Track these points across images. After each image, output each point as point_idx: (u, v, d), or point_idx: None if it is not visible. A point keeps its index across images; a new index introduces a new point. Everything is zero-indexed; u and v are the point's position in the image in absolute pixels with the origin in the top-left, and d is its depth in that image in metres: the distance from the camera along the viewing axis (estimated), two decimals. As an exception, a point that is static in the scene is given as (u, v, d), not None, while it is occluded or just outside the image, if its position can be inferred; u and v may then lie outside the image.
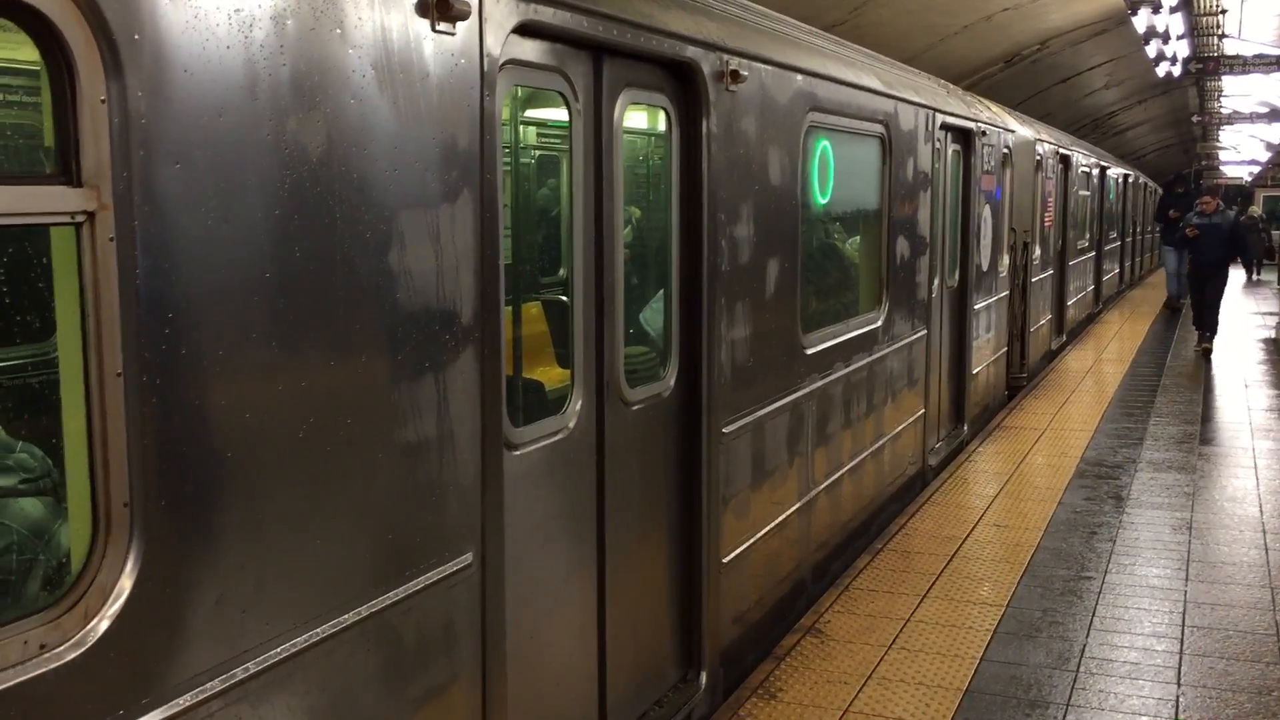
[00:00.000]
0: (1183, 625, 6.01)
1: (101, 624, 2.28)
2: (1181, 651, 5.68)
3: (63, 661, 2.20)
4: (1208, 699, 5.17)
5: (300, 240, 2.74)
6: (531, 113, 6.95)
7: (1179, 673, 5.44)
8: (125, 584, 2.33)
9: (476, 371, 3.43)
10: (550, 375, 5.73)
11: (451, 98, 3.26)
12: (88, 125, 2.23)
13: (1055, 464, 9.57)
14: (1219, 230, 16.31)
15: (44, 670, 2.17)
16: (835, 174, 6.78)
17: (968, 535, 7.56)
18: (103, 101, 2.24)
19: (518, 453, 3.85)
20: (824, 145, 6.58)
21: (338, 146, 2.84)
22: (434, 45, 3.18)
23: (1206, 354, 15.85)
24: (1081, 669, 5.47)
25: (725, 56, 4.99)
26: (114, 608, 2.30)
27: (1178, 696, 5.20)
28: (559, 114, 4.30)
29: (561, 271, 8.49)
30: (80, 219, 2.24)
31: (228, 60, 2.51)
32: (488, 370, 3.48)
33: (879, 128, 7.48)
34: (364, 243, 2.94)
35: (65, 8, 2.17)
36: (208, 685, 2.52)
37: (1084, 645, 5.76)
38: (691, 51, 4.72)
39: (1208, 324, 16.37)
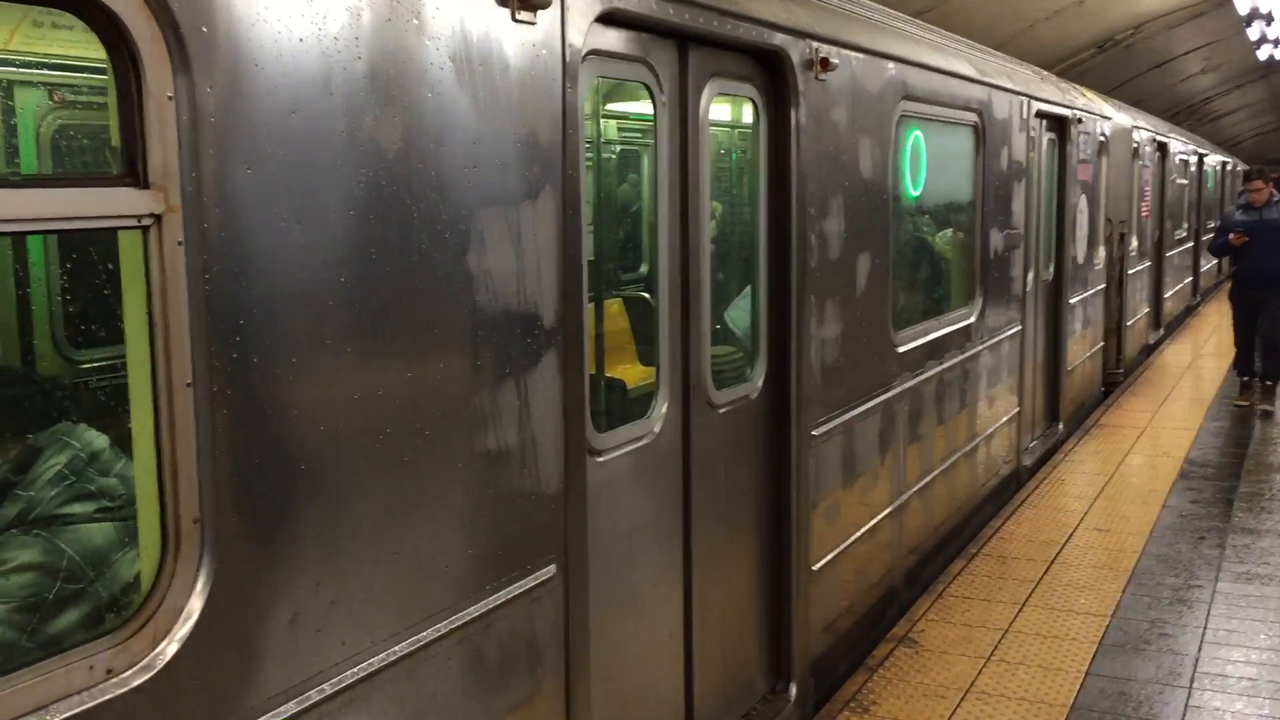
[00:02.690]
0: (1303, 639, 5.67)
1: (170, 647, 2.17)
2: (1303, 668, 5.35)
3: (129, 687, 2.10)
4: (1334, 720, 4.85)
5: (376, 241, 2.61)
6: (613, 106, 6.80)
7: (1301, 691, 5.12)
8: (195, 605, 2.22)
9: (559, 375, 3.29)
10: (632, 374, 5.58)
11: (532, 91, 3.12)
12: (154, 123, 2.12)
13: (1157, 465, 9.17)
14: (1273, 229, 11.14)
15: (110, 696, 2.07)
16: (927, 165, 6.54)
17: (1067, 540, 7.25)
18: (170, 98, 2.13)
19: (601, 459, 3.70)
20: (916, 135, 6.34)
21: (415, 143, 2.71)
22: (514, 36, 3.04)
23: (1266, 414, 11.05)
24: (1195, 685, 5.17)
25: (814, 44, 4.79)
26: (183, 630, 2.20)
27: (1301, 717, 4.88)
28: (641, 107, 4.15)
29: (643, 267, 8.35)
30: (147, 222, 2.13)
31: (301, 54, 2.39)
32: (570, 374, 3.33)
33: (972, 116, 7.20)
34: (443, 242, 2.81)
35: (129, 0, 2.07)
36: (281, 709, 2.41)
37: (1196, 659, 5.45)
38: (780, 39, 4.53)
39: (1268, 369, 11.40)
